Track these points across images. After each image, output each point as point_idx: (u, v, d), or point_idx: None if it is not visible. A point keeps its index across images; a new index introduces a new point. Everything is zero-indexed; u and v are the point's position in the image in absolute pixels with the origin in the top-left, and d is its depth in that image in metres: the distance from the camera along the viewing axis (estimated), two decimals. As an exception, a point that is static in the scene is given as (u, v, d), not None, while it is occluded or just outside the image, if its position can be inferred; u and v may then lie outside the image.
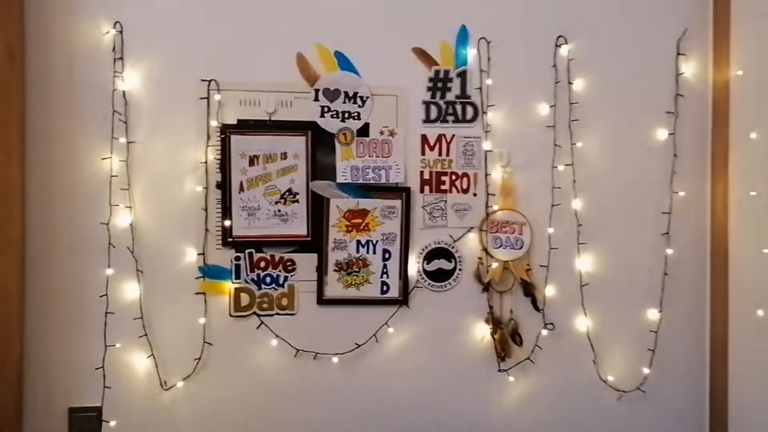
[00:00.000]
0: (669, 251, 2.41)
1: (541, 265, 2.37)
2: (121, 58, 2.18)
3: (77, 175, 2.15)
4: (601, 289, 2.39)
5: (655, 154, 2.41)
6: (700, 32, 2.42)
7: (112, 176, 2.15)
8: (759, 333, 2.19)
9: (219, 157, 2.23)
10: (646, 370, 2.41)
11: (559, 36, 2.37)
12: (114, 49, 2.17)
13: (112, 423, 2.13)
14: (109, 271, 2.14)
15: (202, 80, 2.22)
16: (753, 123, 2.24)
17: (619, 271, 2.40)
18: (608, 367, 2.41)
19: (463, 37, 2.35)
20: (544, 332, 2.38)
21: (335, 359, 2.29)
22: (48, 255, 2.14)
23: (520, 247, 2.36)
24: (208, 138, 2.23)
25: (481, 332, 2.36)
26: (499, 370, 2.36)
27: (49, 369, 2.15)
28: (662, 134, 2.41)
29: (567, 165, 2.37)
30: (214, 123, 2.22)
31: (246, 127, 2.25)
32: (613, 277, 2.40)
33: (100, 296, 2.13)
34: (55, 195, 2.14)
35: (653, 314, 2.41)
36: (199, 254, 2.23)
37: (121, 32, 2.18)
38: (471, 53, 2.35)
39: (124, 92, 2.18)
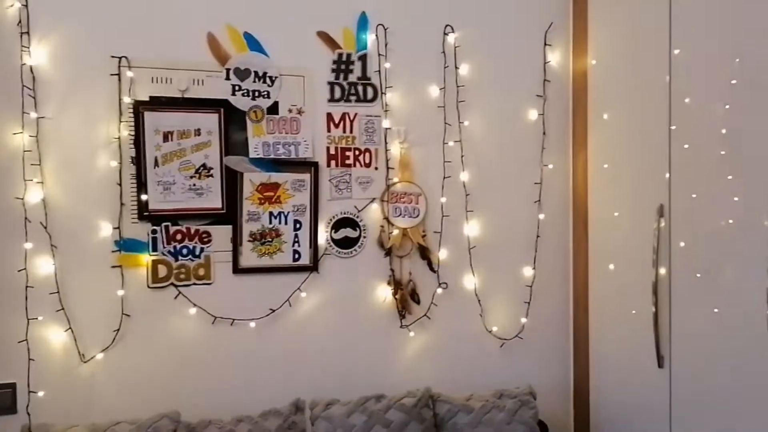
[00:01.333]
0: (541, 216, 2.79)
1: (435, 231, 2.66)
2: (27, 33, 2.16)
3: (-16, 151, 2.12)
4: (485, 251, 2.72)
5: (528, 132, 2.77)
6: (563, 26, 2.80)
7: (24, 151, 2.14)
8: (610, 283, 2.62)
9: (133, 133, 2.28)
10: (523, 320, 2.79)
11: (447, 25, 2.65)
12: (20, 22, 2.15)
13: (40, 393, 2.13)
14: (28, 245, 2.14)
15: (113, 56, 2.25)
16: (605, 106, 2.65)
17: (500, 235, 2.74)
18: (492, 319, 2.75)
19: (363, 23, 2.55)
20: (439, 291, 2.67)
21: (252, 324, 2.44)
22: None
23: (417, 216, 2.63)
24: (121, 114, 2.27)
25: (384, 293, 2.61)
26: (400, 326, 2.62)
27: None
28: (533, 114, 2.77)
29: (456, 141, 2.67)
30: (126, 99, 2.27)
31: (159, 103, 2.31)
32: (495, 240, 2.73)
33: (19, 270, 2.12)
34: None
35: (528, 271, 2.79)
36: (114, 228, 2.27)
37: (26, 5, 2.15)
38: (370, 38, 2.56)
39: (31, 67, 2.17)
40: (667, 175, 2.30)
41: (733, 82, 2.00)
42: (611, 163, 2.63)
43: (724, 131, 2.04)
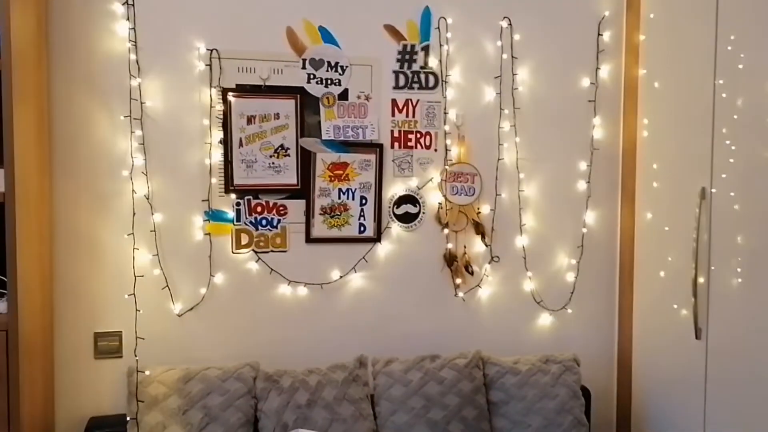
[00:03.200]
0: (590, 195, 2.97)
1: (490, 209, 2.88)
2: (134, 29, 2.48)
3: (106, 129, 2.47)
4: (536, 228, 2.93)
5: (579, 116, 2.95)
6: (617, 15, 2.96)
7: (131, 132, 2.48)
8: (655, 258, 2.79)
9: (221, 117, 2.59)
10: (570, 292, 2.99)
11: (504, 17, 2.85)
12: (128, 18, 2.47)
13: (145, 338, 2.49)
14: (136, 214, 2.48)
15: (207, 49, 2.56)
16: (656, 76, 2.80)
17: (550, 213, 2.95)
18: (541, 291, 2.96)
19: (426, 16, 2.78)
20: (491, 264, 2.90)
21: (322, 288, 2.73)
22: (75, 207, 2.46)
23: (473, 194, 2.85)
24: (211, 100, 2.57)
25: (441, 264, 2.86)
26: (455, 295, 2.87)
27: (77, 297, 2.49)
28: (584, 99, 2.95)
29: (511, 126, 2.87)
30: (216, 88, 2.57)
31: (244, 90, 2.61)
32: (546, 218, 2.94)
33: (128, 234, 2.47)
34: (84, 147, 2.46)
35: (576, 247, 2.98)
36: (204, 200, 2.59)
37: (132, 4, 2.48)
38: (433, 30, 2.78)
39: (137, 60, 2.49)
40: (710, 162, 2.46)
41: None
42: (658, 130, 2.79)
43: None
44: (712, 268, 2.44)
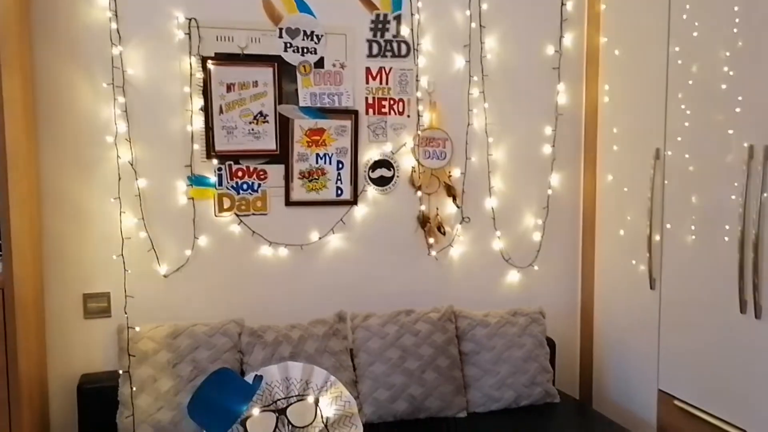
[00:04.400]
0: (555, 159, 3.14)
1: (460, 172, 3.03)
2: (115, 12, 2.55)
3: (89, 96, 2.55)
4: (504, 189, 3.10)
5: (545, 83, 3.10)
6: (579, -13, 3.10)
7: (114, 99, 2.56)
8: (614, 218, 2.97)
9: (201, 84, 2.68)
10: (536, 250, 3.17)
11: (473, -12, 2.97)
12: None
13: (135, 297, 2.60)
14: (121, 178, 2.58)
15: (186, 18, 2.63)
16: (616, 44, 2.96)
17: (518, 175, 3.11)
18: (509, 249, 3.14)
19: (398, -14, 2.89)
20: (462, 224, 3.06)
21: (302, 249, 2.86)
22: (61, 173, 2.54)
23: (444, 158, 3.00)
24: (191, 68, 2.66)
25: (414, 225, 3.01)
26: (428, 254, 3.03)
27: (66, 260, 2.58)
28: (549, 67, 3.09)
29: (480, 92, 3.01)
30: (195, 56, 2.65)
31: (223, 59, 2.70)
32: (514, 180, 3.11)
33: (114, 199, 2.57)
34: (68, 114, 2.54)
35: (541, 209, 3.16)
36: (186, 166, 2.69)
37: (112, -24, 2.54)
38: (404, 0, 2.89)
39: (118, 29, 2.56)
40: (664, 124, 2.63)
41: None
42: (618, 95, 2.95)
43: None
44: (667, 225, 2.63)
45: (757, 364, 2.22)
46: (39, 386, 2.45)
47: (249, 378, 1.36)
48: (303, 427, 1.37)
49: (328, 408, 1.39)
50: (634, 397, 2.87)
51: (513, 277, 3.16)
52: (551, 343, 3.01)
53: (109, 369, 2.60)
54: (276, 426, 1.34)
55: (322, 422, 1.37)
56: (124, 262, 2.58)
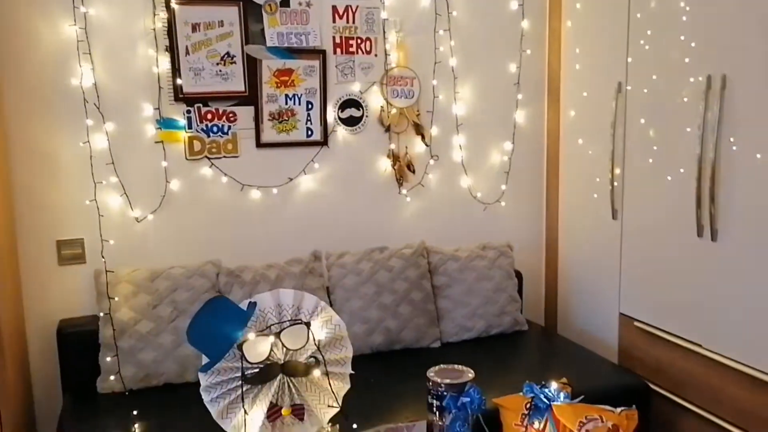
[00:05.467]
0: (519, 96, 3.20)
1: (427, 111, 3.07)
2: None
3: (51, 39, 2.48)
4: (471, 127, 3.15)
5: (509, 22, 3.13)
6: None
7: (78, 41, 2.49)
8: (578, 153, 3.07)
9: (166, 25, 2.63)
10: (503, 187, 3.26)
11: (438, -77, 2.95)
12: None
13: (111, 242, 2.60)
14: (89, 122, 2.54)
15: (147, -44, 2.57)
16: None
17: (484, 113, 3.16)
18: (477, 186, 3.22)
19: None
20: (431, 162, 3.11)
21: (274, 191, 2.89)
22: (27, 118, 2.49)
23: (412, 97, 3.03)
24: (155, 8, 2.60)
25: (384, 164, 3.05)
26: (399, 193, 3.09)
27: (37, 206, 2.56)
28: (514, 5, 3.12)
29: (445, 30, 3.03)
30: (159, -5, 2.60)
31: (187, -2, 2.65)
32: (480, 117, 3.16)
33: (83, 143, 2.54)
34: (30, 60, 2.47)
35: (508, 145, 3.23)
36: (155, 109, 2.66)
37: None
38: (369, -64, 2.87)
39: (76, -34, 2.49)
40: (626, 59, 2.71)
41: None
42: (582, 48, 3.02)
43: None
44: (628, 158, 2.74)
45: (712, 283, 2.37)
46: (17, 333, 2.45)
47: (243, 305, 1.41)
48: (297, 350, 1.43)
49: (319, 331, 1.45)
50: (596, 322, 3.03)
51: (481, 213, 3.25)
52: (519, 275, 3.13)
53: (87, 314, 2.62)
54: (271, 349, 1.40)
55: (315, 344, 1.43)
56: (98, 207, 2.57)
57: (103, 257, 2.55)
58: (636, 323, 2.76)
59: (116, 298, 2.45)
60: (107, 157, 2.61)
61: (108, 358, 2.41)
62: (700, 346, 2.45)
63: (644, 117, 2.64)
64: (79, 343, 2.49)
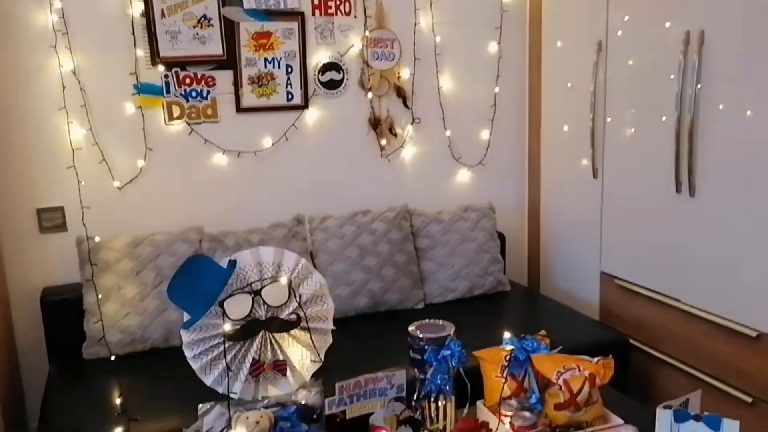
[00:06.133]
0: (500, 56, 3.19)
1: (409, 73, 3.05)
2: None
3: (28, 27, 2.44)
4: (453, 89, 3.14)
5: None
6: None
7: (52, 11, 2.46)
8: (558, 115, 3.07)
9: (140, -13, 2.58)
10: (485, 149, 3.26)
11: None
12: None
13: (91, 208, 2.59)
14: (66, 86, 2.51)
15: None
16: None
17: (465, 74, 3.16)
18: (459, 148, 3.22)
19: None
20: (413, 125, 3.11)
21: (255, 155, 2.87)
22: (2, 84, 2.46)
23: (393, 59, 3.01)
24: (128, -30, 2.56)
25: (366, 128, 3.04)
26: (380, 156, 3.09)
27: (16, 174, 2.54)
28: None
29: (425, -10, 3.01)
30: (132, -44, 2.55)
31: (161, -41, 2.60)
32: (462, 79, 3.15)
33: (59, 109, 2.51)
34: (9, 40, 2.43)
35: (490, 106, 3.23)
36: (131, 74, 2.63)
37: None
38: None
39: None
40: (605, 14, 2.70)
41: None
42: (561, 8, 3.00)
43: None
44: (608, 119, 2.75)
45: (690, 239, 2.40)
46: (1, 301, 2.45)
47: (223, 264, 1.41)
48: (278, 307, 1.44)
49: (300, 288, 1.47)
50: (578, 281, 3.07)
51: (463, 175, 3.26)
52: (501, 237, 3.16)
53: (70, 282, 2.61)
54: (252, 306, 1.41)
55: (296, 301, 1.45)
56: (77, 173, 2.55)
57: (84, 224, 2.54)
58: (616, 281, 2.81)
59: (98, 265, 2.45)
60: (85, 124, 2.58)
61: (93, 324, 2.42)
62: (678, 300, 2.49)
63: (624, 76, 2.64)
64: (63, 310, 2.49)
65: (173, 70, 2.69)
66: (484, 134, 3.25)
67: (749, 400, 2.23)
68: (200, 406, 1.45)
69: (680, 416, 1.42)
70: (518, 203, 3.40)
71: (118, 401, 2.05)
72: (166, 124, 2.72)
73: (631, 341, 2.66)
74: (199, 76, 2.74)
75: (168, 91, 2.70)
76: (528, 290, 3.19)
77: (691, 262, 2.41)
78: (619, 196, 2.74)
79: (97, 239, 2.49)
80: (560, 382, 1.53)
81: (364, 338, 2.54)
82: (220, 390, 1.42)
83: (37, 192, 2.57)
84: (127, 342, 2.44)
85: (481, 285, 2.95)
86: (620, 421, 1.53)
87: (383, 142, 3.06)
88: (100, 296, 2.42)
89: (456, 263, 2.93)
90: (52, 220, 2.61)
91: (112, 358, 2.41)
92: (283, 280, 1.44)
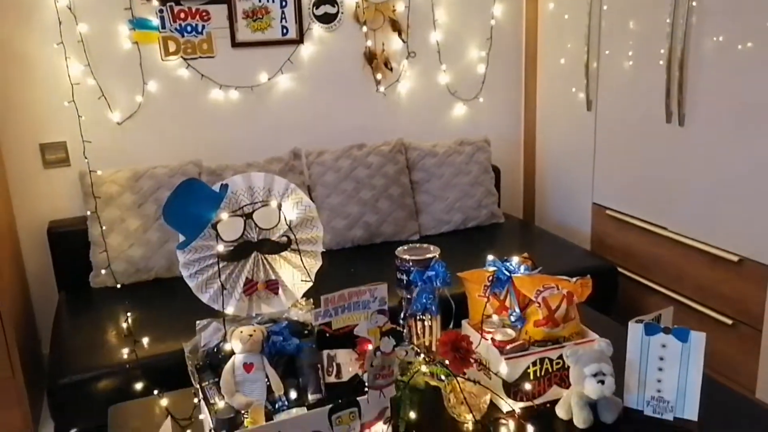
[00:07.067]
0: (497, -11, 3.18)
1: (404, 6, 3.04)
2: None
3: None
4: (449, 22, 3.13)
5: None
6: None
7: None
8: (554, 47, 3.07)
9: None
10: (481, 83, 3.28)
11: None
12: None
13: (92, 142, 2.65)
14: (62, 21, 2.53)
15: None
16: None
17: (462, 8, 3.14)
18: (455, 82, 3.24)
19: None
20: (409, 58, 3.12)
21: (252, 90, 2.91)
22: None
23: (387, -8, 3.00)
24: None
25: (362, 62, 3.05)
26: (376, 90, 3.11)
27: (17, 110, 2.59)
28: None
29: None
30: None
31: None
32: (458, 12, 3.14)
33: (57, 44, 2.53)
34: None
35: (486, 40, 3.22)
36: (126, 9, 2.64)
37: None
38: None
39: None
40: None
41: None
42: None
43: None
44: (605, 51, 2.75)
45: (678, 167, 2.45)
46: (9, 235, 2.54)
47: (215, 188, 1.48)
48: (269, 229, 1.51)
49: (290, 212, 1.53)
50: (571, 213, 3.14)
51: (459, 109, 3.28)
52: (496, 171, 3.20)
53: (76, 215, 2.69)
54: (244, 229, 1.48)
55: (286, 224, 1.52)
56: (77, 108, 2.59)
57: (86, 157, 2.60)
58: (608, 212, 2.87)
59: (101, 198, 2.52)
60: (83, 59, 2.61)
61: (98, 255, 2.51)
62: (665, 229, 2.56)
63: (620, 9, 2.63)
64: (69, 242, 2.58)
65: (167, 4, 2.70)
66: (480, 68, 3.26)
67: (730, 322, 2.32)
68: (198, 322, 1.54)
69: (651, 329, 1.50)
70: (514, 137, 3.43)
71: (124, 325, 2.16)
72: (162, 59, 2.75)
73: (620, 269, 2.74)
74: (193, 10, 2.75)
75: (163, 26, 2.71)
76: (522, 222, 3.26)
77: (678, 190, 2.47)
78: (612, 127, 2.78)
79: (99, 172, 2.56)
80: (539, 300, 1.61)
81: (360, 268, 2.63)
82: (216, 307, 1.50)
83: (39, 127, 2.63)
84: (132, 272, 2.54)
85: (475, 217, 3.02)
86: (596, 336, 1.61)
87: (379, 76, 3.08)
88: (104, 228, 2.50)
89: (450, 196, 2.99)
90: (55, 154, 2.68)
91: (118, 286, 2.51)
92: (274, 203, 1.50)
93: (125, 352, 2.01)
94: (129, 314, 2.24)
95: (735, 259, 2.26)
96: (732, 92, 2.19)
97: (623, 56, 2.64)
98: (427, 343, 1.66)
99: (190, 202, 1.44)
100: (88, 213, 2.52)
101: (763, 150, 2.12)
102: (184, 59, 2.78)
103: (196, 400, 1.51)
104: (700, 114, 2.33)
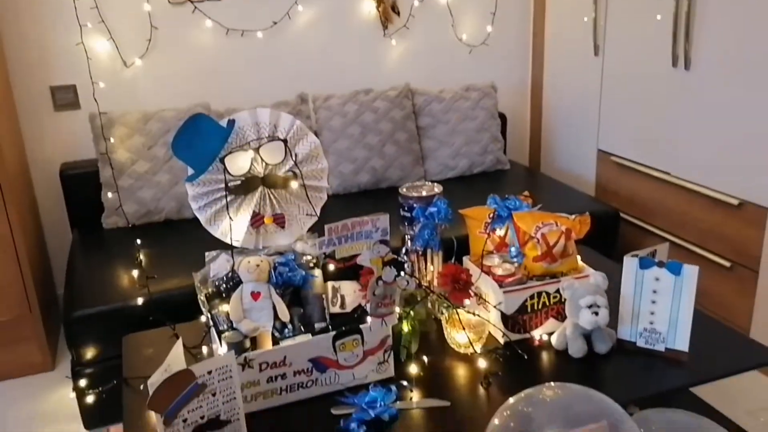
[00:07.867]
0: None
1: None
2: None
3: None
4: (456, -34, 3.11)
5: None
6: None
7: None
8: (566, -11, 3.05)
9: None
10: (489, 29, 3.26)
11: None
12: None
13: (102, 84, 2.68)
14: (67, -36, 2.54)
15: None
16: None
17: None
18: (462, 28, 3.22)
19: None
20: (416, 3, 3.10)
21: (259, 34, 2.91)
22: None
23: (395, -66, 2.96)
24: None
25: (369, 7, 3.04)
26: (383, 36, 3.10)
27: (27, 52, 2.61)
28: None
29: None
30: None
31: None
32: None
33: (64, -13, 2.55)
34: None
35: (491, 6, 3.21)
36: (133, -49, 2.64)
37: None
38: None
39: None
40: None
41: None
42: None
43: None
44: (612, -8, 2.73)
45: (683, 112, 2.46)
46: (22, 176, 2.59)
47: (222, 123, 1.51)
48: (275, 165, 1.55)
49: (295, 148, 1.57)
50: (577, 160, 3.15)
51: (466, 55, 3.27)
52: (503, 117, 3.21)
53: (87, 158, 2.74)
54: (251, 163, 1.52)
55: (292, 159, 1.56)
56: (86, 50, 2.61)
57: (95, 99, 2.63)
58: (612, 158, 2.89)
59: (112, 140, 2.56)
60: (91, 1, 2.62)
61: (110, 196, 2.57)
62: (668, 174, 2.58)
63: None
64: (81, 183, 2.64)
65: (174, -54, 2.69)
66: (488, 14, 3.23)
67: (728, 264, 2.36)
68: (207, 253, 1.60)
69: (645, 263, 1.54)
70: (521, 84, 3.43)
71: (137, 261, 2.23)
72: (170, 2, 2.75)
73: (624, 215, 2.77)
74: (199, -48, 2.74)
75: (169, -32, 2.71)
76: (528, 169, 3.28)
77: (681, 135, 2.48)
78: (618, 73, 2.77)
79: (108, 115, 2.59)
80: (538, 235, 1.65)
81: (364, 211, 2.66)
82: (225, 239, 1.55)
83: (49, 70, 2.66)
84: (143, 213, 2.59)
85: (480, 163, 3.05)
86: (592, 270, 1.66)
87: (386, 21, 3.06)
88: (114, 170, 2.55)
89: (456, 141, 3.01)
90: (65, 97, 2.71)
91: (130, 226, 2.57)
92: (280, 139, 1.54)
93: (138, 286, 2.07)
94: (140, 251, 2.31)
95: (735, 202, 2.29)
96: (738, 37, 2.19)
97: (630, 1, 2.62)
98: (428, 278, 1.72)
99: (198, 136, 1.47)
100: (99, 155, 2.56)
101: (766, 95, 2.12)
102: (192, 2, 2.78)
103: (206, 329, 1.57)
104: (706, 58, 2.32)
